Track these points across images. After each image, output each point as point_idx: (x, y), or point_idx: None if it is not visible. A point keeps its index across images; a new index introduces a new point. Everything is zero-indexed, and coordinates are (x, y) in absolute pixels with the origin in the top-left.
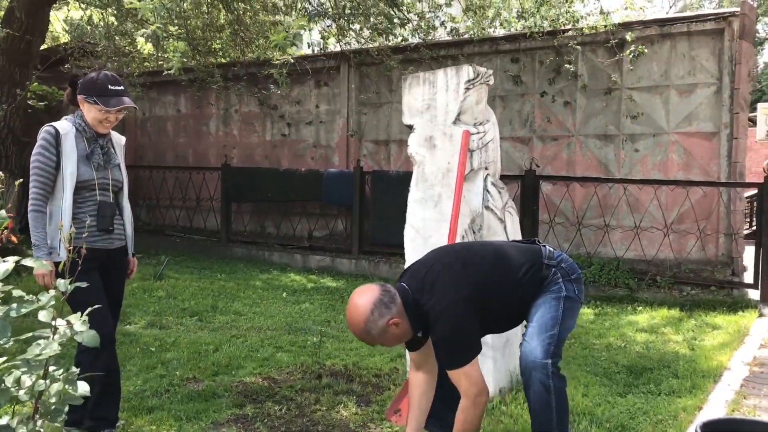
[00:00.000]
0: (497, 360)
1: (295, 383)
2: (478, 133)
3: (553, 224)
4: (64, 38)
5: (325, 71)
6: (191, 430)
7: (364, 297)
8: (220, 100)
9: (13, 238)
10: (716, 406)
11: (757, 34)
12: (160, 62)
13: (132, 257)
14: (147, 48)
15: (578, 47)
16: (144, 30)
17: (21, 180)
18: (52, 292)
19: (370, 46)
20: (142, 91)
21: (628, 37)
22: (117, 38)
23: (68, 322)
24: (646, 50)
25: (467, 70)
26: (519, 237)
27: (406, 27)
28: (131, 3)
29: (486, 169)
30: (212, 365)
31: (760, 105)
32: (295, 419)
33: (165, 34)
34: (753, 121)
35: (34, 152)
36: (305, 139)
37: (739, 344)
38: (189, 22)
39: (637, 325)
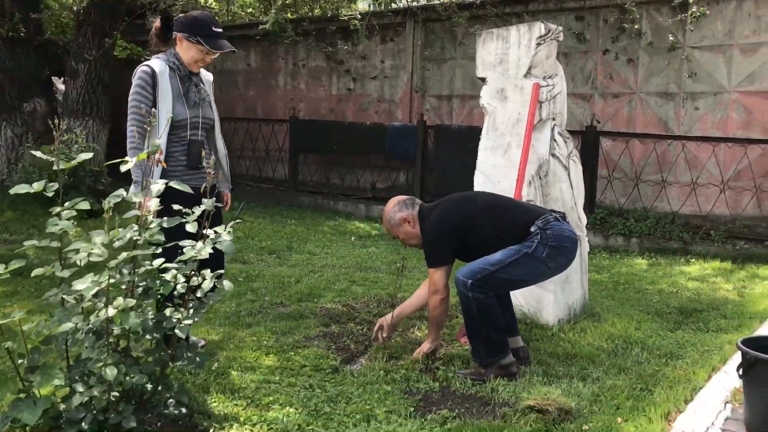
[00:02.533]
0: (557, 293)
1: (371, 310)
2: (547, 85)
3: (611, 179)
4: None
5: (392, 27)
6: (288, 342)
7: (396, 197)
8: (288, 55)
9: (163, 164)
10: None
11: None
12: (229, 17)
13: (227, 192)
14: (213, 3)
15: (642, 6)
16: None
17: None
18: (204, 205)
19: (437, 2)
20: None
21: None
22: None
23: (216, 232)
24: (707, 12)
25: (539, 27)
26: (581, 184)
27: None
28: None
29: (553, 119)
30: (296, 293)
31: None
32: None
33: None
34: None
35: (131, 91)
36: (370, 93)
37: None
38: None
39: (689, 274)
